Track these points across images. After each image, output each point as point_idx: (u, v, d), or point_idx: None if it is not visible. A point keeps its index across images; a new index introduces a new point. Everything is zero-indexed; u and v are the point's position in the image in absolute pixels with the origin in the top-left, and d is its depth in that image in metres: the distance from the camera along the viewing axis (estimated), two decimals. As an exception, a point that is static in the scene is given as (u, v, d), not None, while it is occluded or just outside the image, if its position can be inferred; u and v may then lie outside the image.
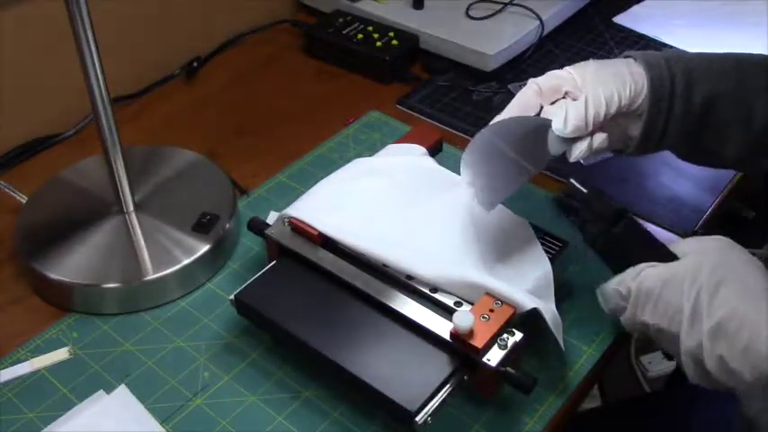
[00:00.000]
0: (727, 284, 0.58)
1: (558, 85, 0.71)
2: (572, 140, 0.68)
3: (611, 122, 0.69)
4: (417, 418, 0.60)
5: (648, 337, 0.65)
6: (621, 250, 0.65)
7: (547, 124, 0.68)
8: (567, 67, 0.72)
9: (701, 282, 0.59)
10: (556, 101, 0.71)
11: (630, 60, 0.70)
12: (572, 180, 0.67)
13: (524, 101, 0.71)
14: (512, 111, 0.71)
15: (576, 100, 0.69)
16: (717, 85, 0.69)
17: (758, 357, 0.56)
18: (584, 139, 0.68)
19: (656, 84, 0.68)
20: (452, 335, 0.63)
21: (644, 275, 0.62)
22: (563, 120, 0.67)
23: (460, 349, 0.63)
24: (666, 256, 0.64)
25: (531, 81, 0.72)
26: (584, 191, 0.67)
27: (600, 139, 0.68)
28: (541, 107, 0.71)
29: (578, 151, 0.68)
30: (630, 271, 0.63)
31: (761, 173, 0.73)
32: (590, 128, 0.67)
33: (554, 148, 0.69)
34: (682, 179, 0.88)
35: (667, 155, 0.74)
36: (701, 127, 0.70)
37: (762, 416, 0.56)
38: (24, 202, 0.82)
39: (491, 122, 0.71)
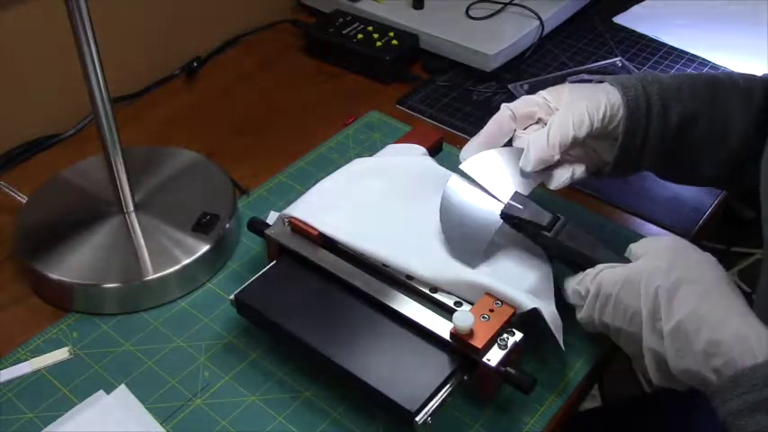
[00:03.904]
0: (684, 286, 0.58)
1: (531, 113, 0.72)
2: (549, 169, 0.69)
3: (586, 146, 0.69)
4: (417, 418, 0.60)
5: (606, 335, 0.65)
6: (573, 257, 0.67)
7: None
8: (541, 92, 0.73)
9: (658, 284, 0.59)
10: (529, 126, 0.72)
11: (606, 85, 0.71)
12: (510, 201, 0.68)
13: (498, 126, 0.72)
14: (486, 134, 0.73)
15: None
16: (692, 105, 0.70)
17: (719, 359, 0.56)
18: (565, 170, 0.69)
19: (632, 105, 0.68)
20: (452, 335, 0.63)
21: (602, 277, 0.62)
22: (524, 157, 0.68)
23: (460, 349, 0.63)
24: (613, 257, 0.64)
25: (504, 106, 0.73)
26: (521, 207, 0.67)
27: (580, 170, 0.70)
28: (515, 131, 0.72)
29: (558, 183, 0.69)
30: (590, 271, 0.63)
31: (740, 190, 0.74)
32: (557, 155, 0.67)
33: (528, 177, 0.70)
34: (682, 179, 0.88)
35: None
36: (678, 147, 0.71)
37: (732, 420, 0.54)
38: (24, 202, 0.82)
39: (466, 160, 0.72)
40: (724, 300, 0.58)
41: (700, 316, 0.57)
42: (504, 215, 0.68)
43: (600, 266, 0.63)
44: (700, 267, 0.60)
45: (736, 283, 0.69)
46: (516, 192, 0.69)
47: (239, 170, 0.89)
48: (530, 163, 0.68)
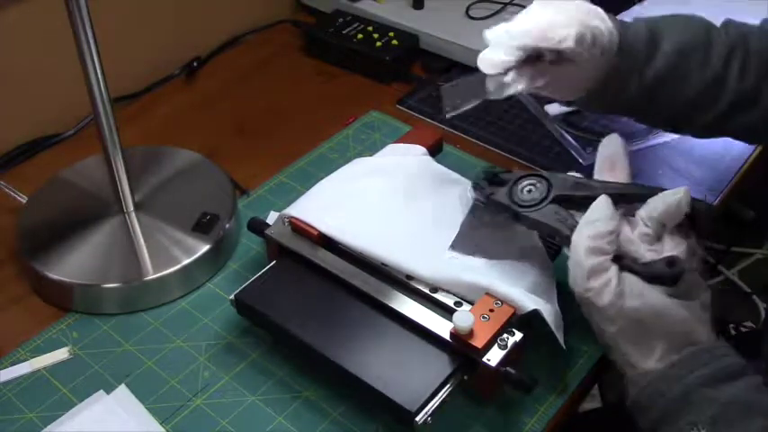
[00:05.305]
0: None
1: None
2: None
3: (558, 67, 0.66)
4: (417, 418, 0.60)
5: None
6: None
7: None
8: None
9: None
10: None
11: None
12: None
13: None
14: None
15: None
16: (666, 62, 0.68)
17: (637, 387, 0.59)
18: (508, 76, 0.65)
19: (630, 40, 0.67)
20: (452, 335, 0.63)
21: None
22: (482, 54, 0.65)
23: (460, 349, 0.63)
24: None
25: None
26: (483, 201, 0.69)
27: (522, 84, 0.66)
28: None
29: (501, 93, 0.66)
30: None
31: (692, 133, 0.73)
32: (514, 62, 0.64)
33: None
34: (682, 179, 0.88)
35: (668, 155, 0.74)
36: (644, 100, 0.69)
37: None
38: (24, 202, 0.82)
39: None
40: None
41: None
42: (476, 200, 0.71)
43: None
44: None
45: (736, 284, 0.69)
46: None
47: (239, 170, 0.89)
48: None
